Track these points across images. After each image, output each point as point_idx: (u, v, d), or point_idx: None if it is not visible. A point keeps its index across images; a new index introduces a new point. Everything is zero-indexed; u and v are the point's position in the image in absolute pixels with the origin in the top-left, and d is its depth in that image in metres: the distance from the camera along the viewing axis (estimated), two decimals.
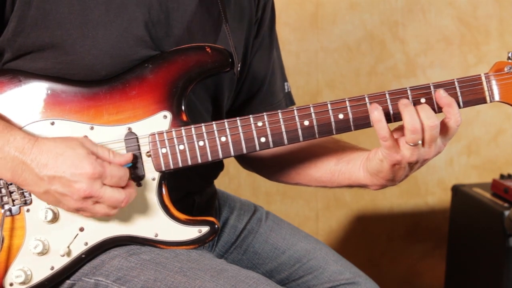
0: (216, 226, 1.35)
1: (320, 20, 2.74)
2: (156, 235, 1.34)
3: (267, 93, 1.62)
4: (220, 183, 1.67)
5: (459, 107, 1.33)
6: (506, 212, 2.32)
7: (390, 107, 1.33)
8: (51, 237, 1.32)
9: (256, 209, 1.70)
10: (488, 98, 1.35)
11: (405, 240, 2.97)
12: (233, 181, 2.67)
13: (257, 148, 1.34)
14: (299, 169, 1.54)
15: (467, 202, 2.58)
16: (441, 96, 1.31)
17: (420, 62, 2.84)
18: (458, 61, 2.87)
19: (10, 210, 1.32)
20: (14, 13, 1.29)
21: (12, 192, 1.31)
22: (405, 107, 1.29)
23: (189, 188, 1.52)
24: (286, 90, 1.68)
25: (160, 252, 1.34)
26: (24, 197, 1.32)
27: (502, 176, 2.56)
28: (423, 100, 1.33)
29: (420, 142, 1.28)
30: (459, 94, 1.34)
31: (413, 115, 1.27)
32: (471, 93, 1.34)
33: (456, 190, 2.66)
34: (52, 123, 1.31)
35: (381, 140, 1.29)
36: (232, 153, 1.34)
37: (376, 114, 1.29)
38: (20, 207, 1.32)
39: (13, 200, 1.32)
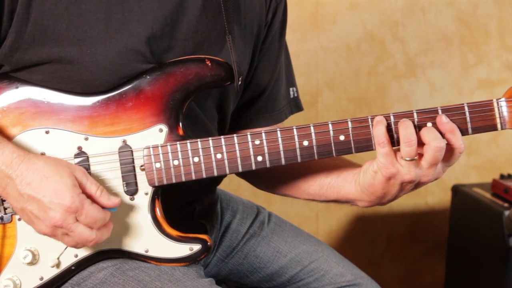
0: (208, 244, 1.33)
1: (320, 20, 2.74)
2: (147, 251, 1.32)
3: (269, 99, 1.57)
4: (221, 183, 1.66)
5: (468, 133, 1.28)
6: (506, 212, 2.32)
7: (394, 130, 1.28)
8: (42, 247, 1.31)
9: (259, 211, 1.68)
10: (499, 125, 1.29)
11: (405, 240, 2.97)
12: (233, 181, 2.66)
13: (253, 167, 1.31)
14: (287, 180, 1.51)
15: (467, 202, 2.58)
16: (443, 122, 1.26)
17: (420, 62, 2.84)
18: (458, 61, 2.87)
19: (1, 218, 1.31)
20: (12, 29, 1.26)
21: (4, 201, 1.30)
22: (402, 122, 1.26)
23: (190, 197, 1.50)
24: (292, 96, 1.62)
25: (146, 268, 1.33)
26: None
27: (502, 176, 2.56)
28: (429, 124, 1.28)
29: (416, 158, 1.24)
30: (468, 119, 1.28)
31: (409, 128, 1.24)
32: (481, 119, 1.28)
33: (456, 190, 2.66)
34: (47, 132, 1.29)
35: (378, 146, 1.26)
36: (227, 171, 1.31)
37: (378, 118, 1.26)
38: (12, 215, 1.31)
39: (5, 208, 1.31)
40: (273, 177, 1.54)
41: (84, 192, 1.23)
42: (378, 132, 1.26)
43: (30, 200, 1.20)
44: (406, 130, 1.24)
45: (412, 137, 1.24)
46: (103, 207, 1.25)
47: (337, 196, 1.42)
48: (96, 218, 1.22)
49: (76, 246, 1.25)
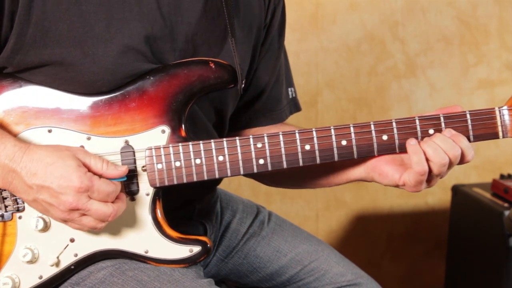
0: (208, 246, 1.33)
1: (320, 20, 2.74)
2: (147, 252, 1.33)
3: (268, 99, 1.58)
4: (221, 183, 1.66)
5: (469, 141, 1.30)
6: (506, 212, 2.32)
7: (396, 136, 1.30)
8: (41, 246, 1.31)
9: (259, 211, 1.68)
10: (500, 134, 1.31)
11: (405, 240, 2.97)
12: (233, 181, 2.67)
13: (255, 170, 1.31)
14: (291, 176, 1.51)
15: (467, 202, 2.58)
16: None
17: (420, 62, 2.84)
18: (458, 61, 2.87)
19: (2, 215, 1.31)
20: (13, 31, 1.26)
21: (5, 198, 1.31)
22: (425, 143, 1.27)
23: (190, 196, 1.50)
24: (290, 96, 1.63)
25: (145, 269, 1.33)
26: (17, 203, 1.31)
27: (502, 176, 2.56)
28: (431, 131, 1.30)
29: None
30: (470, 127, 1.30)
31: (438, 150, 1.26)
32: (483, 127, 1.30)
33: (456, 190, 2.66)
34: (50, 131, 1.30)
35: (417, 175, 1.27)
36: (229, 173, 1.31)
37: (413, 144, 1.27)
38: (12, 213, 1.31)
39: (5, 206, 1.31)
40: (282, 175, 1.53)
41: (90, 170, 1.24)
42: (418, 159, 1.27)
43: (40, 189, 1.21)
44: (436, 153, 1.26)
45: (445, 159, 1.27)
46: (111, 179, 1.26)
47: (349, 180, 1.44)
48: (108, 191, 1.23)
49: (97, 226, 1.25)
